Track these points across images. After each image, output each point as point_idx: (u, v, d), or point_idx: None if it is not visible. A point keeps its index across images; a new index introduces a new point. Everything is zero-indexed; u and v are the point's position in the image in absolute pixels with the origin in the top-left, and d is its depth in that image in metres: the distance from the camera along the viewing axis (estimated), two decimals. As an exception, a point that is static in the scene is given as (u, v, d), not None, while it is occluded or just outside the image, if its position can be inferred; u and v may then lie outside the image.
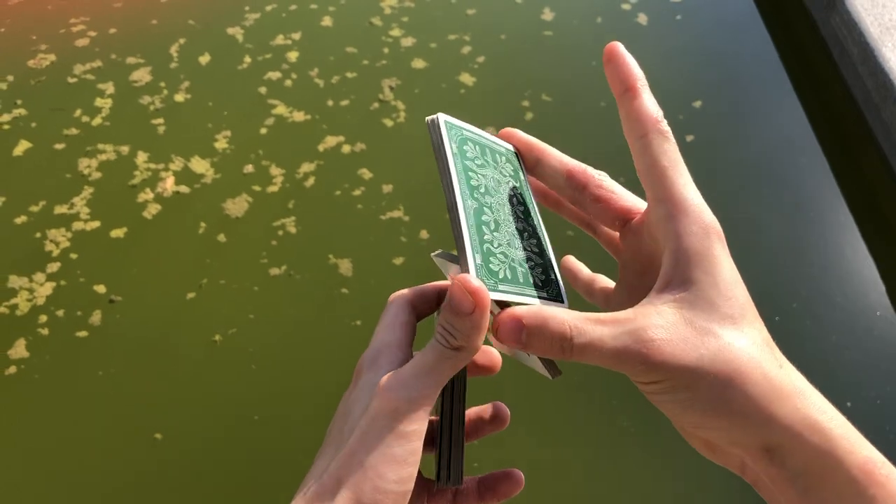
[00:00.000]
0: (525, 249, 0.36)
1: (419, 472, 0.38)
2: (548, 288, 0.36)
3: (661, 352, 0.30)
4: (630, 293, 0.38)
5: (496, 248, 0.34)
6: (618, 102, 0.36)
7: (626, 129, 0.36)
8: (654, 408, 0.33)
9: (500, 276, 0.33)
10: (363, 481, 0.31)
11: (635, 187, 0.36)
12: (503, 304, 0.34)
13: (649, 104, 0.35)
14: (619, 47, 0.36)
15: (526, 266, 0.35)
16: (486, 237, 0.34)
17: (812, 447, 0.30)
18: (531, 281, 0.35)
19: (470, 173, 0.35)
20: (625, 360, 0.31)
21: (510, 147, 0.39)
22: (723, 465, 0.34)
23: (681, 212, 0.33)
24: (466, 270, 0.32)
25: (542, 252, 0.37)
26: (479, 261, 0.33)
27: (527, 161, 0.40)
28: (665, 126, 0.35)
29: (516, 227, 0.36)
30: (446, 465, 0.36)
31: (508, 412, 0.41)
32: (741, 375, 0.30)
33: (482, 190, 0.35)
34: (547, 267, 0.37)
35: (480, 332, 0.32)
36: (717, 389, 0.30)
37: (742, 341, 0.31)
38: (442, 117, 0.35)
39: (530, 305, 0.32)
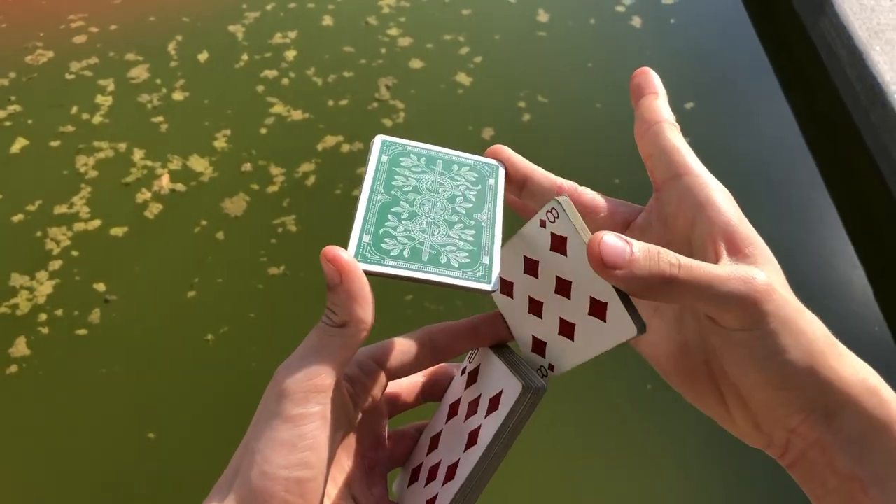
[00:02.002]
0: (449, 237, 0.35)
1: (387, 497, 0.38)
2: (467, 270, 0.35)
3: (778, 295, 0.31)
4: None
5: (398, 232, 0.34)
6: (635, 105, 0.37)
7: (638, 123, 0.37)
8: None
9: (393, 254, 0.33)
10: (251, 466, 0.30)
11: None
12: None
13: (665, 107, 0.37)
14: (650, 70, 0.38)
15: (442, 249, 0.35)
16: (388, 223, 0.34)
17: (869, 411, 0.31)
18: (442, 261, 0.34)
19: (396, 176, 0.36)
20: (733, 298, 0.30)
21: (493, 162, 0.39)
22: (762, 447, 0.34)
23: (703, 183, 0.34)
24: (351, 243, 0.33)
25: (476, 241, 0.36)
26: (366, 240, 0.33)
27: (514, 180, 0.38)
28: (676, 123, 0.36)
29: (446, 219, 0.36)
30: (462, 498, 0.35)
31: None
32: (813, 324, 0.32)
33: (406, 189, 0.36)
34: (476, 253, 0.35)
35: (357, 302, 0.32)
36: (808, 338, 0.31)
37: (793, 297, 0.33)
38: (378, 138, 0.38)
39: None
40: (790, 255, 1.71)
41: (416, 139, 0.39)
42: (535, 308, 0.36)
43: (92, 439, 1.43)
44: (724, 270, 0.31)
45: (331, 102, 2.04)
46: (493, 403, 0.35)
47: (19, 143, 1.94)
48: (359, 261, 0.32)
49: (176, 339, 1.57)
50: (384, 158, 0.37)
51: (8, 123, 1.99)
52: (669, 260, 0.30)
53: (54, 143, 1.93)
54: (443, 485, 0.36)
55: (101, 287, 1.63)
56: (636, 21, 2.31)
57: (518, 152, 0.39)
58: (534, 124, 1.96)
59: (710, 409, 0.35)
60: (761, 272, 0.31)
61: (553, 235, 0.34)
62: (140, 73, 2.12)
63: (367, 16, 2.32)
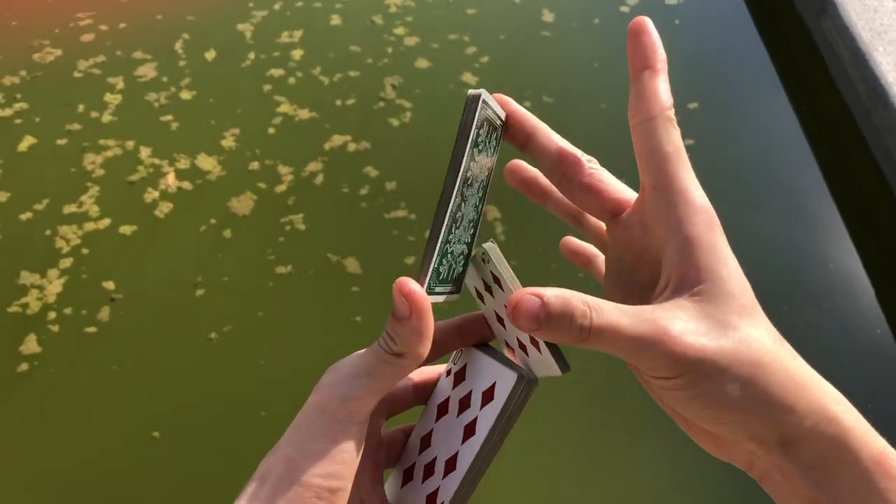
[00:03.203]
0: (465, 243, 0.35)
1: (385, 498, 0.39)
2: (455, 282, 0.35)
3: (683, 342, 0.29)
4: (623, 290, 0.36)
5: (451, 247, 0.33)
6: (632, 80, 0.34)
7: (632, 110, 0.34)
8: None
9: (441, 278, 0.33)
10: (286, 474, 0.31)
11: (635, 188, 0.36)
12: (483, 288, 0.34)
13: (664, 88, 0.33)
14: (648, 22, 0.34)
15: (457, 262, 0.34)
16: (450, 237, 0.33)
17: (827, 439, 0.30)
18: (452, 277, 0.34)
19: (471, 164, 0.33)
20: (645, 349, 0.29)
21: (502, 115, 0.36)
22: (728, 461, 0.34)
23: (684, 201, 0.32)
24: (424, 275, 0.31)
25: (470, 244, 0.36)
26: (435, 264, 0.32)
27: (518, 136, 0.37)
28: (673, 114, 0.33)
29: (471, 219, 0.35)
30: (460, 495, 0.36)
31: None
32: (763, 366, 0.30)
33: (469, 182, 0.34)
34: (466, 260, 0.36)
35: (421, 338, 0.31)
36: (740, 380, 0.30)
37: (759, 332, 0.31)
38: (484, 95, 0.33)
39: (547, 288, 0.30)
40: (791, 257, 1.72)
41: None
42: (500, 320, 0.37)
43: (96, 438, 1.44)
44: (629, 321, 0.30)
45: (338, 102, 2.05)
46: (488, 395, 0.36)
47: (27, 142, 1.95)
48: (427, 293, 0.32)
49: (182, 337, 1.58)
50: (474, 134, 0.33)
51: (16, 122, 2.00)
52: (581, 317, 0.29)
53: (62, 142, 1.94)
54: (443, 478, 0.37)
55: (110, 285, 1.64)
56: (640, 21, 2.32)
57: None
58: (539, 125, 1.97)
59: (673, 416, 0.34)
60: (679, 316, 0.30)
61: (491, 274, 0.35)
62: (147, 71, 2.13)
63: (374, 15, 2.33)
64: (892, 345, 1.56)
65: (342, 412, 0.31)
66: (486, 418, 0.35)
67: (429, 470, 0.38)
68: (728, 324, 0.30)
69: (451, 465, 0.36)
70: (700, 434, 0.33)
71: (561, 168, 0.36)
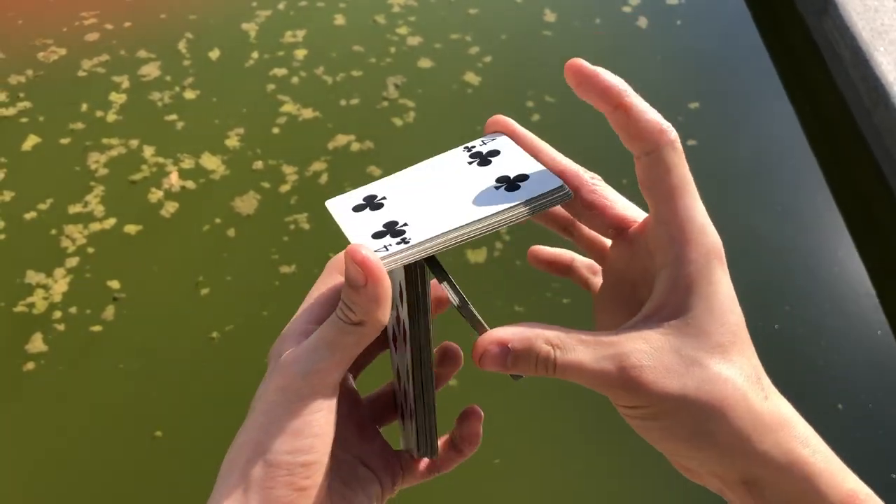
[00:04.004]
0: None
1: (389, 448, 0.38)
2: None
3: (643, 378, 0.30)
4: (620, 305, 0.36)
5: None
6: (609, 120, 0.33)
7: (627, 145, 0.33)
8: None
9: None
10: (252, 459, 0.30)
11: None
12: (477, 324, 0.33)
13: (648, 115, 0.32)
14: (583, 64, 0.34)
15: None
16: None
17: (793, 481, 0.30)
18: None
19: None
20: (606, 384, 0.30)
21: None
22: (702, 486, 0.34)
23: (684, 236, 0.31)
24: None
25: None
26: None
27: None
28: (673, 134, 0.32)
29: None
30: (424, 435, 0.36)
31: (458, 349, 0.39)
32: (724, 407, 0.30)
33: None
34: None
35: (379, 305, 0.31)
36: (699, 420, 0.30)
37: (729, 371, 0.30)
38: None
39: (513, 327, 0.31)
40: (792, 256, 1.73)
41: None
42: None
43: (100, 437, 1.44)
44: (592, 357, 0.30)
45: (343, 102, 2.06)
46: (401, 299, 0.35)
47: (31, 141, 1.95)
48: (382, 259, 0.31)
49: (185, 336, 1.58)
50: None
51: (22, 120, 2.00)
52: (545, 357, 0.30)
53: (65, 141, 1.95)
54: (413, 401, 0.37)
55: (115, 284, 1.65)
56: (642, 22, 2.33)
57: None
58: (543, 125, 1.98)
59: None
60: (641, 349, 0.30)
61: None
62: (151, 70, 2.14)
63: (377, 14, 2.34)
64: (892, 344, 1.57)
65: (305, 388, 0.31)
66: (406, 320, 0.35)
67: (405, 403, 0.38)
68: (695, 361, 0.30)
69: (407, 376, 0.37)
70: (675, 444, 0.33)
71: None
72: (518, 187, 0.35)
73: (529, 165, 0.36)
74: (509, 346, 0.31)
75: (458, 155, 0.38)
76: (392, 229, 0.35)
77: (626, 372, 0.30)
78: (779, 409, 0.31)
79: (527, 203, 0.34)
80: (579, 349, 0.30)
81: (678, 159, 0.32)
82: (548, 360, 0.30)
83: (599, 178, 0.36)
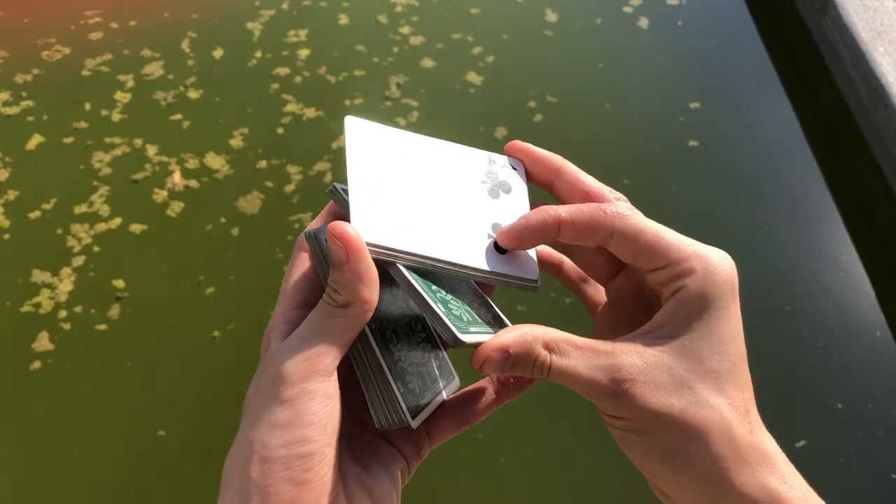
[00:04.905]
0: (463, 295, 0.37)
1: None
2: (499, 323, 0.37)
3: (631, 392, 0.30)
4: (620, 323, 0.37)
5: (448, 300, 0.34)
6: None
7: (586, 240, 0.34)
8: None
9: (465, 319, 0.34)
10: (248, 459, 0.29)
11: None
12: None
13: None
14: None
15: (473, 308, 0.36)
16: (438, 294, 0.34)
17: None
18: (482, 320, 0.36)
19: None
20: (595, 393, 0.31)
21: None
22: None
23: (688, 269, 0.32)
24: (445, 330, 0.32)
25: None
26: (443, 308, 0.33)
27: (541, 178, 0.38)
28: (620, 204, 0.34)
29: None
30: (374, 409, 0.35)
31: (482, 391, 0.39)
32: (706, 434, 0.30)
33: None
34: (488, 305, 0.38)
35: (364, 282, 0.31)
36: (680, 442, 0.30)
37: (717, 400, 0.30)
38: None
39: (514, 332, 0.32)
40: (792, 257, 1.73)
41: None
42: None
43: (104, 436, 1.45)
44: (586, 365, 0.31)
45: (347, 102, 2.06)
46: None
47: (35, 140, 1.95)
48: (462, 334, 0.32)
49: (187, 336, 1.59)
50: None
51: (26, 119, 2.01)
52: (542, 361, 0.31)
53: (69, 140, 1.95)
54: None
55: (119, 283, 1.66)
56: (643, 22, 2.34)
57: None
58: (545, 124, 1.99)
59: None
60: (634, 363, 0.31)
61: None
62: (155, 69, 2.14)
63: (379, 14, 2.35)
64: (891, 345, 1.58)
65: (296, 377, 0.30)
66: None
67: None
68: (685, 383, 0.31)
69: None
70: (654, 462, 0.33)
71: None
72: (504, 252, 0.36)
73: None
74: (510, 351, 0.31)
75: (479, 164, 0.38)
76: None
77: (617, 384, 0.30)
78: (762, 444, 0.31)
79: (499, 276, 0.35)
80: (574, 355, 0.31)
81: (638, 217, 0.33)
82: (544, 364, 0.31)
83: (624, 198, 0.36)
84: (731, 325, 0.31)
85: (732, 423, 0.30)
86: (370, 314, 0.32)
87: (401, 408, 0.34)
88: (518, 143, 0.38)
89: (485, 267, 0.35)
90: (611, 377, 0.30)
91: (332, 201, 0.37)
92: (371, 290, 0.31)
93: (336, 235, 0.30)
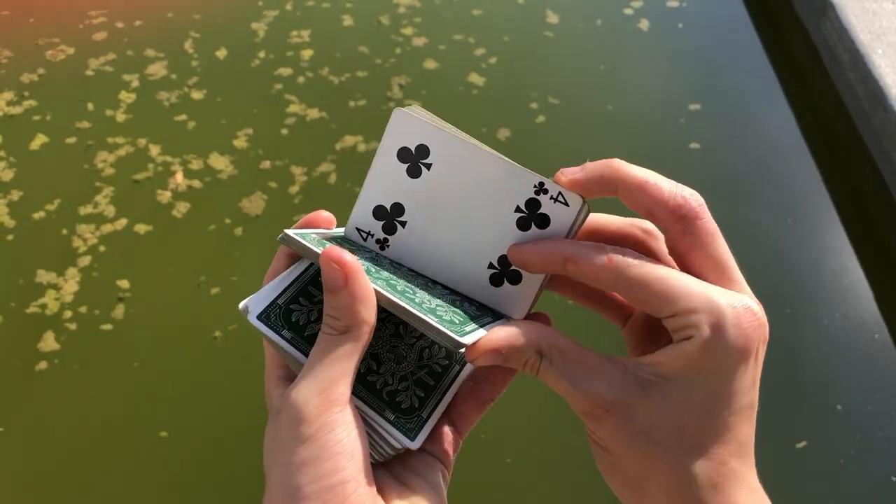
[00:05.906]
0: (441, 296, 0.35)
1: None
2: (491, 314, 0.36)
3: (603, 418, 0.31)
4: (644, 338, 0.37)
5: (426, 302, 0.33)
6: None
7: (593, 284, 0.33)
8: None
9: (457, 322, 0.33)
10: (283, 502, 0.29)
11: None
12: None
13: (596, 247, 0.33)
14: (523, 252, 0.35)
15: (456, 306, 0.34)
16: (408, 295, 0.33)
17: None
18: (470, 315, 0.34)
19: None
20: (573, 405, 0.32)
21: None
22: None
23: (695, 323, 0.30)
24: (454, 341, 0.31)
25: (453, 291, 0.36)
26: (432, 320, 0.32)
27: (604, 194, 0.35)
28: (696, 205, 0.33)
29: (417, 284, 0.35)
30: (374, 444, 0.35)
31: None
32: (662, 482, 0.31)
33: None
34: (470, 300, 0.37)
35: (363, 302, 0.30)
36: (639, 476, 0.31)
37: (678, 456, 0.31)
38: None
39: (508, 332, 0.32)
40: (791, 259, 1.74)
41: None
42: None
43: (108, 436, 1.45)
44: (571, 378, 0.31)
45: (351, 103, 2.07)
46: None
47: (39, 140, 1.96)
48: (461, 335, 0.32)
49: (190, 336, 1.59)
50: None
51: (31, 119, 2.01)
52: (532, 364, 0.32)
53: (72, 140, 1.96)
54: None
55: (124, 284, 1.66)
56: (644, 24, 2.35)
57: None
58: (547, 126, 2.00)
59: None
60: (618, 396, 0.31)
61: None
62: (158, 69, 2.15)
63: (381, 15, 2.35)
64: (890, 347, 1.59)
65: (314, 413, 0.30)
66: None
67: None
68: (652, 431, 0.31)
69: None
70: (615, 483, 0.34)
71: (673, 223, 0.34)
72: (500, 285, 0.36)
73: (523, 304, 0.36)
74: (502, 353, 0.32)
75: (522, 189, 0.35)
76: (391, 221, 0.35)
77: (593, 408, 0.31)
78: (729, 499, 0.31)
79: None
80: (562, 367, 0.31)
81: (654, 265, 0.32)
82: (533, 367, 0.32)
83: (698, 203, 0.34)
84: (726, 387, 0.30)
85: (694, 479, 0.30)
86: (370, 335, 0.32)
87: (389, 439, 0.34)
88: (565, 172, 0.34)
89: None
90: (589, 400, 0.31)
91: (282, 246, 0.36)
92: (369, 311, 0.31)
93: (333, 260, 0.30)
